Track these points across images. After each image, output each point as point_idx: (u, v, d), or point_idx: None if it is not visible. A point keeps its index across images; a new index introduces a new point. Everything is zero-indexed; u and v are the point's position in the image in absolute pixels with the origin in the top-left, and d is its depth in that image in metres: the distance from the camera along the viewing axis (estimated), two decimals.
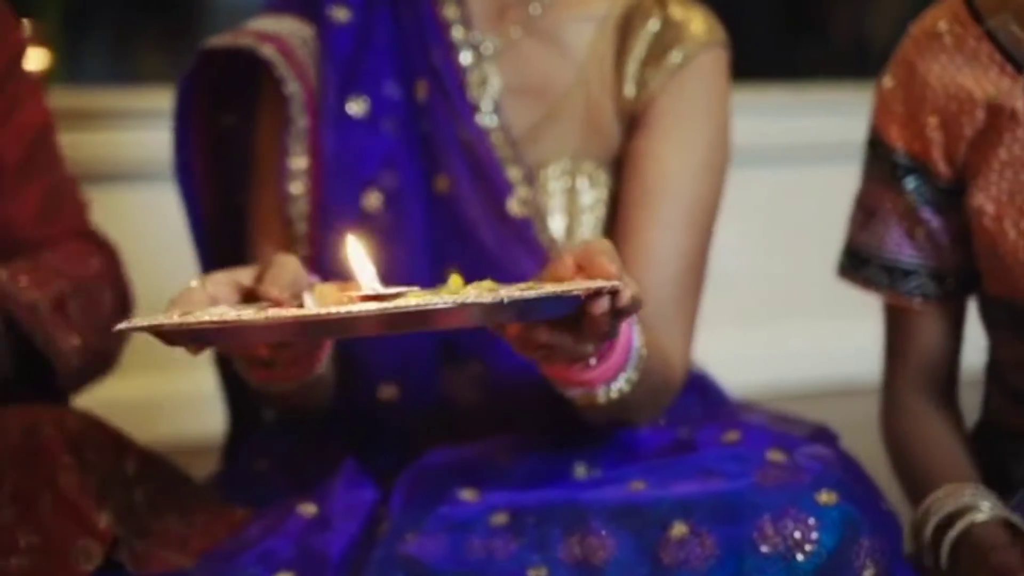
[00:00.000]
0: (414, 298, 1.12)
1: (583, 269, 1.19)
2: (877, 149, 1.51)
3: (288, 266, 1.25)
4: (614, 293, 1.16)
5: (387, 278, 1.53)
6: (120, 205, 2.73)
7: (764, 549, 1.27)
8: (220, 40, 1.60)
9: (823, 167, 3.35)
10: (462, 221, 1.54)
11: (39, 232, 1.58)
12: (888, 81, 1.49)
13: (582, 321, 1.17)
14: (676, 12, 1.56)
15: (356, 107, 1.57)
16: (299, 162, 1.57)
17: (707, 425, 1.52)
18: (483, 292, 1.13)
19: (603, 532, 1.31)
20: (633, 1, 1.57)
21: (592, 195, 1.56)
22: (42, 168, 1.59)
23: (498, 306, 1.09)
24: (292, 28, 1.60)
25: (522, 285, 1.16)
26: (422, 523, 1.38)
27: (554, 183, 1.56)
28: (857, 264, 1.54)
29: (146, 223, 2.70)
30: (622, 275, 1.17)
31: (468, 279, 1.51)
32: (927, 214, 1.48)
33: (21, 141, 1.57)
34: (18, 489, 1.29)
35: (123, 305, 1.62)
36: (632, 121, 1.55)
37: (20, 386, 1.47)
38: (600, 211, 1.56)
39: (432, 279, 1.53)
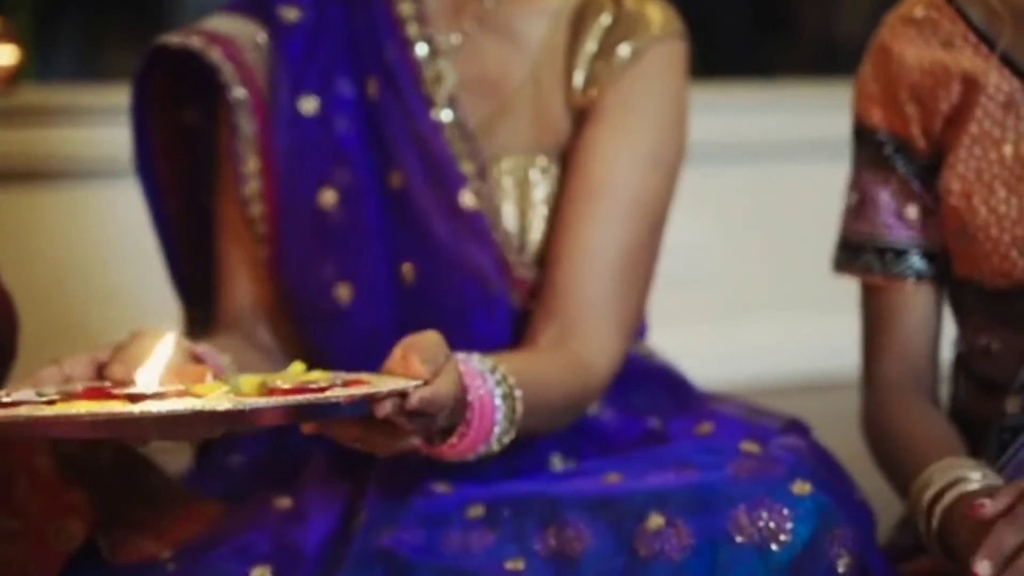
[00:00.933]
0: (156, 404, 1.11)
1: (404, 361, 1.20)
2: (861, 136, 1.52)
3: (142, 342, 1.25)
4: (404, 395, 1.16)
5: (345, 274, 1.55)
6: (88, 203, 2.72)
7: (739, 540, 1.28)
8: (172, 39, 1.59)
9: (792, 165, 3.38)
10: (416, 216, 1.54)
11: None
12: (865, 68, 1.51)
13: (379, 421, 1.18)
14: (630, 4, 1.56)
15: (308, 105, 1.57)
16: (250, 165, 1.57)
17: (679, 416, 1.53)
18: (227, 399, 1.12)
19: (579, 524, 1.32)
20: None
21: (544, 189, 1.56)
22: None
23: (244, 413, 1.10)
24: (244, 29, 1.60)
25: (331, 385, 1.16)
26: (397, 516, 1.38)
27: (507, 177, 1.56)
28: (851, 254, 1.54)
29: (114, 221, 2.70)
30: (434, 373, 1.19)
31: (423, 273, 1.54)
32: (917, 187, 1.49)
33: None
34: None
35: None
36: (581, 115, 1.55)
37: None
38: (549, 206, 1.56)
39: (389, 274, 1.54)
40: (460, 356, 1.28)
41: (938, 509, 1.30)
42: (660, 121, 1.55)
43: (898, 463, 1.45)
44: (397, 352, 1.20)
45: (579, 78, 1.55)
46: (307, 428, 1.21)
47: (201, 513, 1.44)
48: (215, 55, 1.57)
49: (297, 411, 1.13)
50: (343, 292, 1.54)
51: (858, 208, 1.53)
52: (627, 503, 1.32)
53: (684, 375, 1.66)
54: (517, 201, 1.56)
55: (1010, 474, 1.37)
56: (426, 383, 1.18)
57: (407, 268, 1.54)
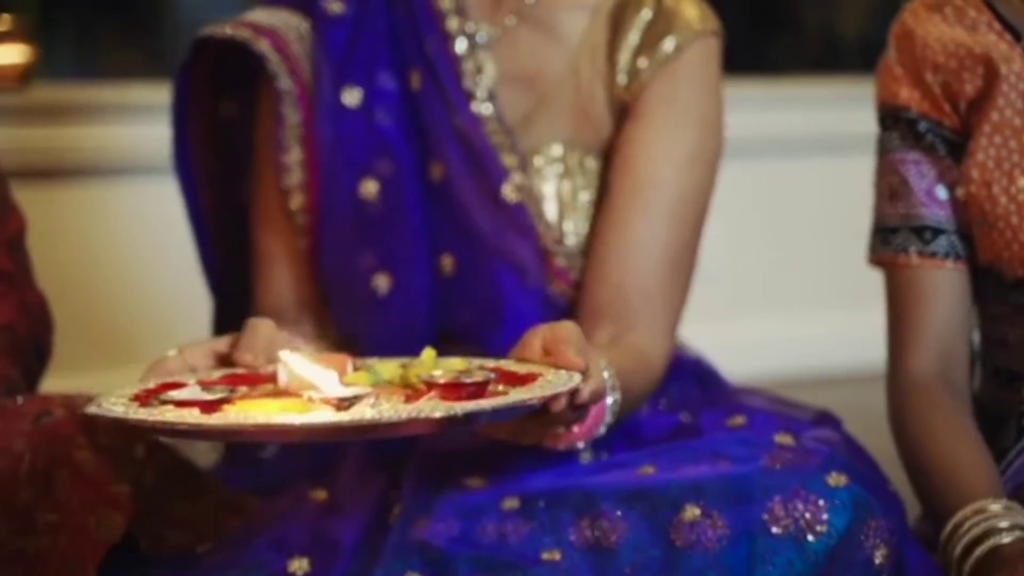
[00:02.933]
0: (368, 410, 1.13)
1: (549, 354, 1.21)
2: (890, 118, 1.53)
3: (260, 331, 1.28)
4: (574, 392, 1.19)
5: (384, 264, 1.55)
6: (110, 199, 2.73)
7: (775, 530, 1.29)
8: (217, 30, 1.60)
9: (794, 161, 3.39)
10: (457, 208, 1.56)
11: None
12: (889, 54, 1.53)
13: (544, 414, 1.20)
14: (669, 1, 1.57)
15: (351, 97, 1.58)
16: (294, 155, 1.58)
17: (710, 410, 1.54)
18: (438, 403, 1.14)
19: (615, 515, 1.32)
20: None
21: (583, 181, 1.57)
22: None
23: (453, 418, 1.11)
24: (288, 21, 1.61)
25: (485, 372, 1.18)
26: (433, 509, 1.38)
27: (546, 169, 1.57)
28: (886, 237, 1.53)
29: (136, 217, 2.70)
30: (587, 365, 1.20)
31: (462, 264, 1.54)
32: (949, 164, 1.50)
33: None
34: (34, 469, 1.28)
35: (16, 356, 1.51)
36: (623, 110, 1.56)
37: None
38: (590, 198, 1.58)
39: (427, 264, 1.54)
40: None
41: (968, 564, 1.31)
42: (701, 117, 1.56)
43: (928, 485, 1.44)
44: (535, 341, 1.22)
45: (622, 72, 1.56)
46: (485, 429, 1.23)
47: (237, 506, 1.44)
48: (263, 45, 1.57)
49: (503, 412, 1.14)
50: (382, 282, 1.55)
51: (891, 191, 1.53)
52: (662, 494, 1.33)
53: (713, 367, 1.67)
54: (556, 193, 1.57)
55: None
56: (583, 374, 1.19)
57: (446, 259, 1.55)
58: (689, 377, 1.63)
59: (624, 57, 1.56)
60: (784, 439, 1.38)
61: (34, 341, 1.54)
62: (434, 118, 1.57)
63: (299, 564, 1.33)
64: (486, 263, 1.53)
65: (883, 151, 1.55)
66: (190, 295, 2.01)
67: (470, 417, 1.12)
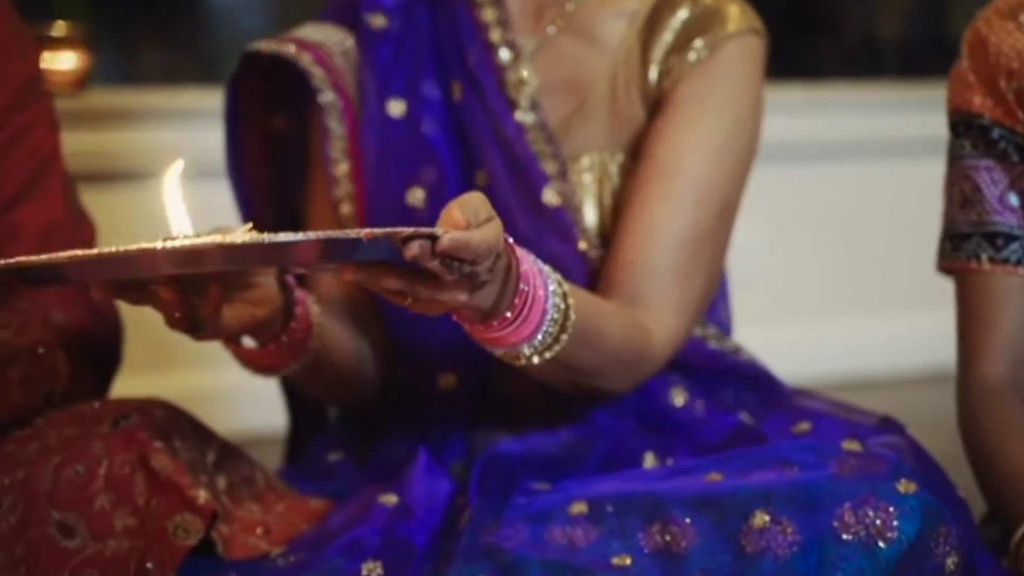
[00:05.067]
0: (198, 239, 1.13)
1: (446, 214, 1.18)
2: (962, 125, 1.53)
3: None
4: (434, 239, 1.15)
5: None
6: (139, 205, 2.74)
7: (845, 537, 1.29)
8: (263, 45, 1.63)
9: (835, 165, 3.39)
10: (500, 213, 1.54)
11: None
12: (961, 62, 1.53)
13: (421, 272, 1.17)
14: (709, 1, 1.59)
15: (395, 108, 1.61)
16: (341, 167, 1.61)
17: (773, 415, 1.54)
18: (255, 236, 1.12)
19: (684, 521, 1.32)
20: None
21: (621, 184, 1.59)
22: (40, 204, 1.53)
23: (267, 246, 1.09)
24: (333, 36, 1.64)
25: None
26: (501, 514, 1.39)
27: (586, 174, 1.59)
28: (958, 243, 1.53)
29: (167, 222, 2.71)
30: (466, 223, 1.16)
31: None
32: (1023, 168, 1.50)
33: (21, 174, 1.51)
34: (111, 474, 1.30)
35: (88, 361, 1.53)
36: (655, 107, 1.58)
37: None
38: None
39: None
40: (518, 248, 1.28)
41: None
42: (732, 112, 1.57)
43: (999, 490, 1.45)
44: (444, 211, 1.19)
45: (654, 71, 1.58)
46: (346, 275, 1.17)
47: (308, 510, 1.46)
48: (305, 60, 1.60)
49: (323, 247, 1.11)
50: None
51: (963, 198, 1.53)
52: (731, 501, 1.32)
53: (769, 370, 1.67)
54: (596, 197, 1.58)
55: None
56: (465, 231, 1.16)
57: None
58: (744, 380, 1.64)
59: (657, 56, 1.58)
60: (851, 445, 1.38)
61: (106, 346, 1.55)
62: (476, 127, 1.59)
63: (372, 568, 1.33)
64: None
65: (955, 158, 1.55)
66: None
67: (282, 248, 1.09)
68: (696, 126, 1.55)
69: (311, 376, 1.49)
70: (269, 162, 1.71)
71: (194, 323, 1.27)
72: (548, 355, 1.34)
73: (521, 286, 1.27)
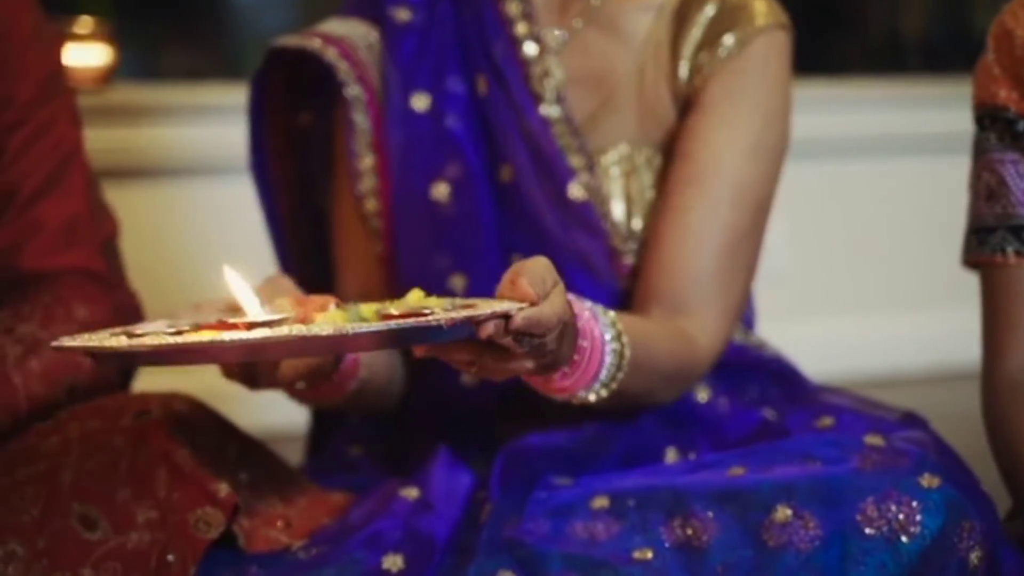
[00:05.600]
0: (263, 330, 1.10)
1: (513, 285, 1.19)
2: (987, 118, 1.52)
3: (280, 282, 1.30)
4: (507, 317, 1.15)
5: (459, 265, 1.57)
6: (190, 199, 2.76)
7: (868, 531, 1.28)
8: (288, 40, 1.64)
9: (858, 162, 3.38)
10: (526, 208, 1.57)
11: (45, 265, 1.51)
12: (987, 55, 1.52)
13: (492, 345, 1.18)
14: None
15: (420, 102, 1.60)
16: (366, 161, 1.61)
17: (796, 410, 1.54)
18: (325, 324, 1.11)
19: (706, 515, 1.32)
20: None
21: (650, 179, 1.58)
22: (62, 199, 1.53)
23: (346, 337, 1.08)
24: (357, 30, 1.64)
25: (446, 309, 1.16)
26: (522, 508, 1.39)
27: (614, 168, 1.58)
28: (983, 237, 1.52)
29: (219, 216, 2.72)
30: (538, 297, 1.17)
31: None
32: None
33: (44, 168, 1.52)
34: (133, 467, 1.30)
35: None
36: (686, 104, 1.58)
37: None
38: (656, 194, 1.59)
39: (500, 264, 1.55)
40: (572, 296, 1.28)
41: None
42: (764, 110, 1.57)
43: (1022, 487, 1.44)
44: (507, 277, 1.19)
45: (684, 68, 1.57)
46: (419, 352, 1.18)
47: (329, 504, 1.46)
48: (331, 54, 1.60)
49: (400, 335, 1.11)
50: (457, 283, 1.57)
51: (988, 192, 1.52)
52: (753, 495, 1.32)
53: (793, 365, 1.67)
54: (623, 191, 1.58)
55: None
56: (533, 305, 1.17)
57: (517, 259, 1.56)
58: (768, 375, 1.63)
59: (687, 52, 1.57)
60: (874, 440, 1.37)
61: None
62: (501, 122, 1.59)
63: (393, 561, 1.33)
64: (557, 262, 1.54)
65: (980, 151, 1.54)
66: None
67: (359, 338, 1.08)
68: (730, 126, 1.55)
69: (352, 401, 1.48)
70: (292, 158, 1.71)
71: (252, 377, 1.28)
72: (604, 393, 1.36)
73: (581, 342, 1.30)
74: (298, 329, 1.08)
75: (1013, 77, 1.50)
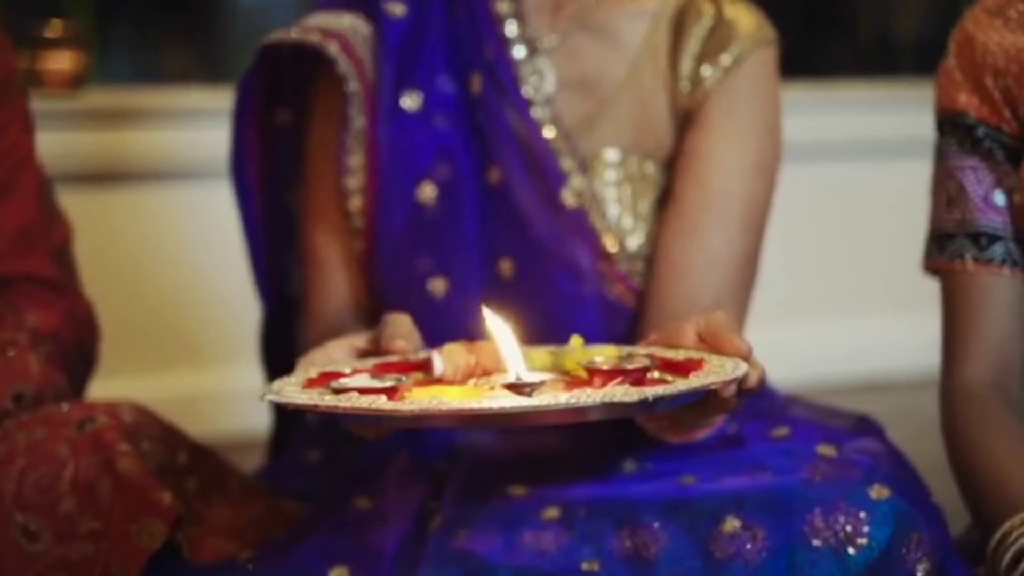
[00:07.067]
0: (562, 394, 1.09)
1: (705, 342, 1.20)
2: (948, 124, 1.52)
3: (402, 322, 1.28)
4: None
5: (441, 268, 1.56)
6: (155, 204, 2.75)
7: (815, 543, 1.27)
8: (285, 36, 1.61)
9: (848, 165, 3.37)
10: (516, 212, 1.56)
11: None
12: (948, 60, 1.52)
13: (708, 401, 1.18)
14: (728, 10, 1.58)
15: (410, 101, 1.59)
16: (356, 158, 1.59)
17: (754, 420, 1.53)
18: (628, 390, 1.10)
19: (655, 525, 1.31)
20: None
21: (643, 186, 1.57)
22: (13, 205, 1.52)
23: (643, 403, 1.08)
24: (351, 24, 1.62)
25: (643, 358, 1.16)
26: (474, 518, 1.38)
27: (607, 174, 1.57)
28: (943, 243, 1.51)
29: (185, 221, 2.72)
30: (750, 353, 1.18)
31: (521, 268, 1.54)
32: (1008, 167, 1.48)
33: None
34: (77, 477, 1.30)
35: (61, 363, 1.51)
36: (686, 118, 1.57)
37: None
38: (650, 203, 1.57)
39: (485, 268, 1.54)
40: None
41: (1017, 574, 1.28)
42: (763, 125, 1.57)
43: (977, 493, 1.42)
44: (689, 329, 1.20)
45: (685, 80, 1.56)
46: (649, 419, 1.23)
47: (280, 513, 1.45)
48: (332, 48, 1.58)
49: (684, 397, 1.11)
50: (438, 286, 1.56)
51: (948, 198, 1.51)
52: (702, 505, 1.32)
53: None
54: (616, 198, 1.57)
55: None
56: (747, 360, 1.18)
57: (505, 263, 1.56)
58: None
59: (687, 64, 1.57)
60: (826, 450, 1.37)
61: (80, 349, 1.55)
62: (493, 122, 1.57)
63: (340, 573, 1.33)
64: (545, 268, 1.53)
65: (941, 157, 1.53)
66: (240, 300, 2.02)
67: (656, 402, 1.08)
68: (734, 146, 1.55)
69: None
70: (268, 156, 1.69)
71: None
72: None
73: None
74: (604, 395, 1.07)
75: (973, 82, 1.49)
